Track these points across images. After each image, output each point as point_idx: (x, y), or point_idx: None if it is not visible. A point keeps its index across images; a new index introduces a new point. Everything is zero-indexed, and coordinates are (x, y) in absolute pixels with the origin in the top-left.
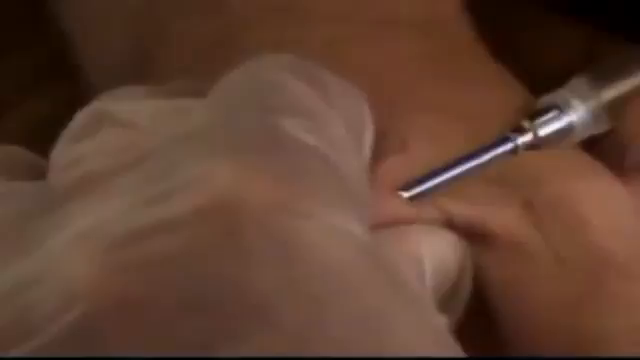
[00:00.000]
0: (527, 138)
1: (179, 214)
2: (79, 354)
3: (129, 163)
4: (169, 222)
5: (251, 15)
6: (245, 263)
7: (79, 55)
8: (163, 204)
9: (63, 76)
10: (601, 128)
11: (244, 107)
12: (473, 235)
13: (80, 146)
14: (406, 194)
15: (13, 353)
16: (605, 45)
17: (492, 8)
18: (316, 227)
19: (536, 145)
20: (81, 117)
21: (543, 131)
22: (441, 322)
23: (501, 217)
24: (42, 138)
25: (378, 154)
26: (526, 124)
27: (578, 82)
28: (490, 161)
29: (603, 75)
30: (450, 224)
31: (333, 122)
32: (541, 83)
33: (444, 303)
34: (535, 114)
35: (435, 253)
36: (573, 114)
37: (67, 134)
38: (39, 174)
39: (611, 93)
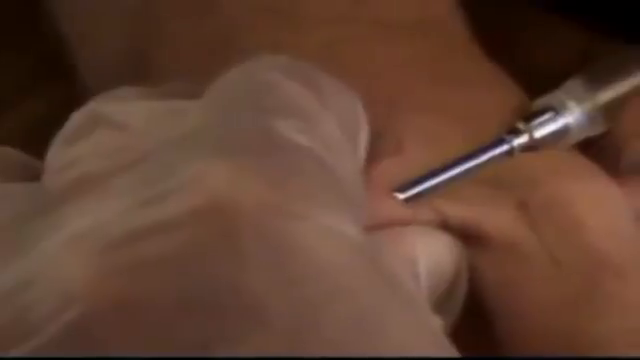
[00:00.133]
0: (523, 140)
1: (174, 215)
2: (76, 354)
3: (124, 164)
4: (165, 223)
5: (246, 17)
6: (240, 264)
7: (75, 56)
8: (159, 205)
9: (59, 76)
10: (597, 130)
11: (239, 108)
12: (468, 236)
13: (75, 148)
14: (401, 195)
15: (10, 354)
16: (602, 46)
17: (488, 8)
18: (311, 228)
19: (532, 147)
20: (76, 118)
21: (539, 133)
22: (437, 323)
23: (496, 218)
24: (38, 138)
25: (373, 155)
26: (522, 126)
27: (574, 83)
28: (486, 163)
29: (599, 76)
30: (445, 225)
31: (327, 123)
32: (538, 84)
33: (440, 304)
34: (531, 116)
35: (430, 254)
36: (569, 116)
37: (62, 135)
38: (33, 176)
39: (607, 95)
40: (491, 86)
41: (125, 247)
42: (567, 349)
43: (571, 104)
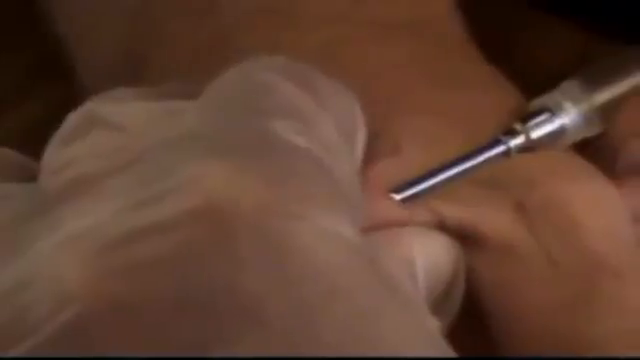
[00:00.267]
0: (519, 141)
1: (172, 216)
2: (73, 355)
3: (121, 165)
4: (162, 224)
5: (245, 17)
6: (237, 264)
7: (72, 56)
8: (156, 206)
9: (58, 77)
10: (593, 130)
11: (236, 109)
12: (465, 237)
13: (72, 148)
14: (398, 196)
15: (7, 354)
16: (599, 47)
17: (486, 8)
18: (308, 229)
19: (528, 147)
20: (73, 119)
21: (535, 134)
22: (434, 324)
23: (493, 219)
24: (37, 138)
25: (370, 156)
26: (518, 127)
27: (570, 84)
28: (482, 164)
29: (595, 77)
30: (442, 226)
31: (325, 124)
32: (535, 84)
33: (437, 305)
34: (527, 117)
35: (428, 255)
36: (565, 117)
37: (59, 136)
38: (30, 176)
39: (603, 95)
40: (488, 87)
41: (122, 247)
42: (564, 350)
43: (567, 105)
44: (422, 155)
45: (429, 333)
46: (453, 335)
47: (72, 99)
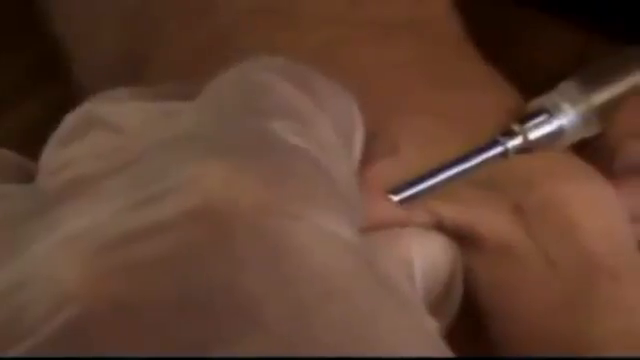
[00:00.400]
0: (517, 142)
1: (170, 216)
2: (72, 355)
3: (119, 166)
4: (160, 224)
5: (244, 17)
6: (235, 264)
7: (70, 57)
8: (154, 206)
9: (58, 77)
10: (591, 131)
11: (234, 110)
12: (463, 238)
13: (70, 149)
14: (396, 197)
15: (6, 354)
16: (598, 46)
17: (485, 9)
18: (306, 229)
19: (526, 149)
20: (71, 120)
21: (533, 135)
22: (432, 325)
23: (491, 220)
24: (36, 139)
25: (368, 156)
26: (516, 128)
27: (568, 85)
28: (480, 165)
29: (593, 78)
30: (440, 227)
31: (323, 124)
32: (534, 85)
33: (435, 306)
34: (525, 118)
35: (426, 256)
36: (563, 117)
37: (57, 137)
38: (28, 177)
39: (601, 96)
40: (486, 87)
41: (120, 248)
42: (562, 351)
43: (565, 106)
44: (420, 155)
45: (427, 334)
46: (451, 336)
47: (72, 99)
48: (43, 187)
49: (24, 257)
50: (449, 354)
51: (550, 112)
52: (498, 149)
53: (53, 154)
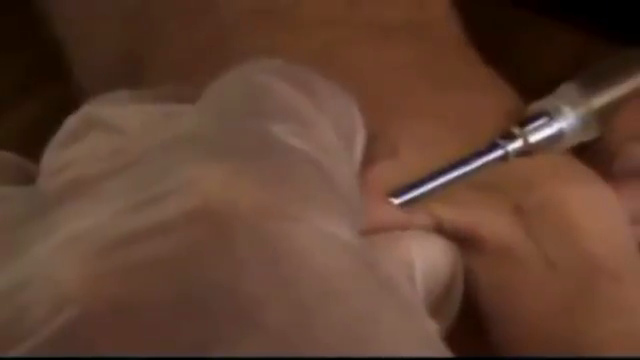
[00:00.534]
0: (517, 145)
1: (170, 218)
2: (72, 355)
3: (119, 167)
4: (160, 226)
5: (243, 19)
6: (235, 266)
7: (70, 58)
8: (154, 208)
9: (58, 77)
10: (591, 134)
11: (234, 112)
12: (463, 240)
13: (70, 150)
14: (396, 200)
15: (6, 354)
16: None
17: (485, 10)
18: (306, 231)
19: (526, 151)
20: (71, 122)
21: (533, 137)
22: (432, 327)
23: (491, 222)
24: (37, 139)
25: (368, 159)
26: (516, 130)
27: (568, 88)
28: (480, 168)
29: (593, 81)
30: (440, 229)
31: (323, 127)
32: (534, 87)
33: (435, 308)
34: (525, 120)
35: (426, 258)
36: (563, 121)
37: (57, 139)
38: (27, 178)
39: (601, 99)
40: (486, 90)
41: (120, 249)
42: (563, 352)
43: (565, 109)
44: (420, 157)
45: (427, 335)
46: (451, 338)
47: (72, 99)
48: (43, 188)
49: (25, 258)
50: (449, 355)
51: (550, 115)
52: (498, 152)
53: (54, 156)
